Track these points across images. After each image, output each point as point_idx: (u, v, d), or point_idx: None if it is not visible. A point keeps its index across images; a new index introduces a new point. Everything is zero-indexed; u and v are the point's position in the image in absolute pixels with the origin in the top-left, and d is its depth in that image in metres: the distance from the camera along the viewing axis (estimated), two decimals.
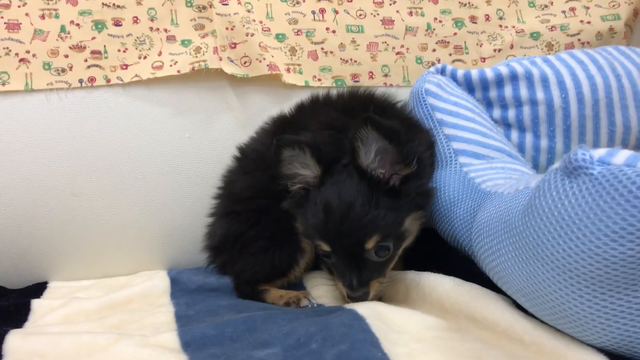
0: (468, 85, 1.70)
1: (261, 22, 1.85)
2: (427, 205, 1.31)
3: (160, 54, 1.77)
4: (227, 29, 1.77)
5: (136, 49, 1.76)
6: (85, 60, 1.73)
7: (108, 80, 1.73)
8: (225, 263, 1.53)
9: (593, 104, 1.62)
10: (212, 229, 1.61)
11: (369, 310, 1.15)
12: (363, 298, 1.23)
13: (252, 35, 1.78)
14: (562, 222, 0.88)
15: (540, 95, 1.64)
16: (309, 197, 1.27)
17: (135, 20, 1.78)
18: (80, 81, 1.71)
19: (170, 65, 1.75)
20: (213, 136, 1.79)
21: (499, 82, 1.68)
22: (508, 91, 1.67)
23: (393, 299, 1.34)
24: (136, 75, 1.74)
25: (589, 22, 1.97)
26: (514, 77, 1.67)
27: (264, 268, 1.43)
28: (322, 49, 1.88)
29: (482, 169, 1.43)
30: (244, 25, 1.77)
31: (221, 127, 1.80)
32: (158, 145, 1.74)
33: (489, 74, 1.68)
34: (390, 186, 1.21)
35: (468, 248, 1.29)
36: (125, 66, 1.75)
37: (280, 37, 1.86)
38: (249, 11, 1.84)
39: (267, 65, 1.77)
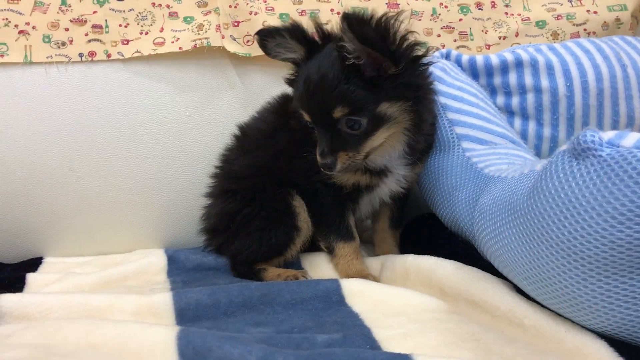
0: (472, 71, 1.69)
1: (265, 1, 1.83)
2: (415, 97, 1.27)
3: (162, 30, 1.75)
4: (230, 6, 1.75)
5: (138, 24, 1.74)
6: (86, 34, 1.70)
7: (109, 55, 1.71)
8: (221, 244, 1.52)
9: (598, 94, 1.61)
10: (208, 210, 1.59)
11: (363, 305, 1.17)
12: (331, 165, 1.26)
13: (256, 14, 1.75)
14: (568, 204, 0.86)
15: (544, 83, 1.63)
16: (299, 72, 1.33)
17: None
18: (81, 55, 1.69)
19: (172, 42, 1.73)
20: (213, 115, 1.77)
21: (504, 68, 1.66)
22: (512, 78, 1.66)
23: (393, 282, 1.33)
24: (137, 51, 1.72)
25: (595, 12, 1.95)
26: (519, 64, 1.66)
27: (260, 247, 1.42)
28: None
29: (485, 154, 1.41)
30: (247, 4, 1.75)
31: (222, 106, 1.78)
32: (158, 123, 1.73)
33: (494, 60, 1.66)
34: (370, 74, 1.21)
35: (469, 233, 1.28)
36: (126, 41, 1.72)
37: (284, 17, 1.84)
38: None
39: None
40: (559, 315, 0.97)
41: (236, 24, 1.75)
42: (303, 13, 1.86)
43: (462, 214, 1.31)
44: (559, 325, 0.96)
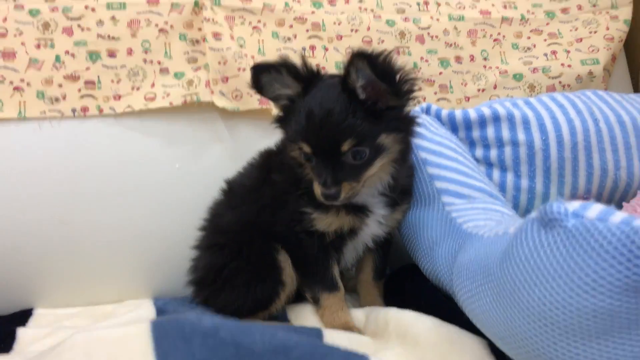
0: (452, 125, 1.76)
1: (253, 57, 1.90)
2: (406, 129, 1.38)
3: (153, 85, 1.81)
4: (219, 63, 1.81)
5: (129, 80, 1.80)
6: (79, 90, 1.76)
7: (101, 111, 1.76)
8: (208, 297, 1.55)
9: (572, 147, 1.68)
10: (196, 262, 1.63)
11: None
12: (336, 195, 1.29)
13: (244, 70, 1.82)
14: (537, 272, 0.92)
15: (521, 136, 1.70)
16: (294, 108, 1.35)
17: (130, 51, 1.81)
18: (73, 110, 1.74)
19: (163, 97, 1.78)
20: (202, 167, 1.82)
21: (482, 122, 1.73)
22: (490, 131, 1.73)
23: (375, 334, 1.37)
24: (129, 106, 1.77)
25: (569, 66, 2.04)
26: (496, 118, 1.73)
27: (246, 301, 1.46)
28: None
29: (464, 209, 1.47)
30: (236, 60, 1.82)
31: (210, 159, 1.84)
32: (148, 175, 1.78)
33: (472, 114, 1.73)
34: (371, 106, 1.28)
35: (449, 288, 1.32)
36: (118, 97, 1.78)
37: None
38: (241, 46, 1.88)
39: (258, 100, 1.82)
40: None
41: (225, 79, 1.81)
42: None
43: (442, 269, 1.36)
44: None
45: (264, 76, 1.36)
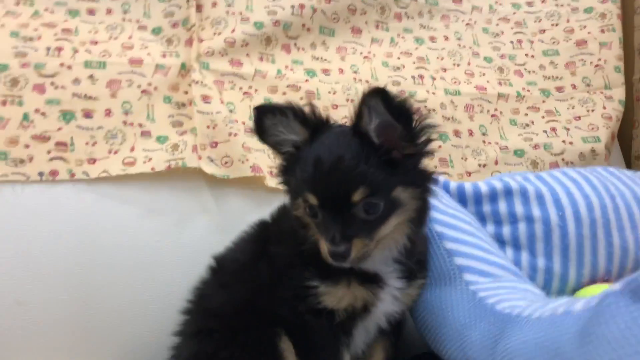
0: (461, 198, 1.62)
1: (244, 123, 1.75)
2: (423, 185, 1.21)
3: (132, 149, 1.63)
4: (208, 127, 1.66)
5: (107, 142, 1.62)
6: (49, 152, 1.56)
7: (72, 175, 1.56)
8: None
9: (590, 224, 1.57)
10: (178, 351, 1.39)
11: None
12: (345, 254, 1.11)
13: (236, 135, 1.67)
14: (635, 354, 0.75)
15: (536, 212, 1.57)
16: (299, 156, 1.19)
17: (108, 112, 1.64)
18: (41, 174, 1.53)
19: (144, 162, 1.60)
20: (186, 241, 1.61)
21: (493, 196, 1.61)
22: (502, 206, 1.60)
23: None
24: (104, 171, 1.58)
25: (571, 143, 1.98)
26: (508, 192, 1.61)
27: None
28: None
29: (492, 288, 1.31)
30: (226, 125, 1.67)
31: (195, 231, 1.63)
32: (123, 249, 1.55)
33: (483, 187, 1.61)
34: (385, 153, 1.13)
35: None
36: (92, 160, 1.59)
37: None
38: (231, 111, 1.74)
39: (251, 167, 1.66)
40: None
41: (214, 144, 1.65)
42: None
43: (477, 357, 1.18)
44: None
45: (267, 118, 1.21)
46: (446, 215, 1.49)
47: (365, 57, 2.00)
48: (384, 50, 2.03)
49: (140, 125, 1.67)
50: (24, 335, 1.44)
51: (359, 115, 1.12)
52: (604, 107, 2.06)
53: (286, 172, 1.26)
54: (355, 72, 1.96)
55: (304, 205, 1.19)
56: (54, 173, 1.55)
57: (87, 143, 1.60)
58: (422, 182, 1.22)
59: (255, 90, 1.81)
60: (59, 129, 1.59)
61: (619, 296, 0.81)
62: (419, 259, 1.34)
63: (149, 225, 1.59)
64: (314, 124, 1.21)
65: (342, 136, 1.17)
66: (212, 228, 1.64)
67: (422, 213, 1.26)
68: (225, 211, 1.67)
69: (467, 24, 2.17)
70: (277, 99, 1.82)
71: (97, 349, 1.50)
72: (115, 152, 1.62)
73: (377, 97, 1.07)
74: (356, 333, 1.33)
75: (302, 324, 1.26)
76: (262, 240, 1.40)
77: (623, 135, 2.29)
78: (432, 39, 2.11)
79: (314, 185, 1.15)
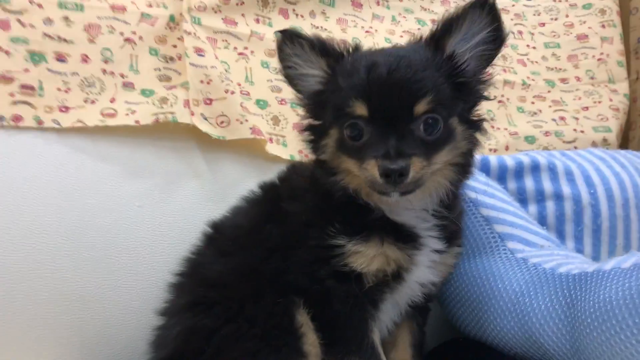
0: (484, 173, 1.46)
1: (239, 85, 1.55)
2: (474, 126, 1.06)
3: (113, 100, 1.39)
4: (202, 82, 1.44)
5: (82, 90, 1.38)
6: (12, 95, 1.30)
7: (40, 123, 1.31)
8: None
9: (623, 203, 1.43)
10: (163, 331, 1.13)
11: None
12: (404, 171, 0.92)
13: (233, 93, 1.46)
14: None
15: (566, 189, 1.43)
16: (335, 77, 1.04)
17: (85, 58, 1.40)
18: (1, 118, 1.27)
19: (127, 115, 1.37)
20: (172, 208, 1.38)
21: (519, 172, 1.46)
22: (529, 183, 1.45)
23: None
24: (79, 121, 1.33)
25: (582, 131, 1.87)
26: (535, 168, 1.46)
27: None
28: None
29: (544, 254, 1.13)
30: (222, 81, 1.46)
31: (183, 198, 1.40)
32: (98, 213, 1.29)
33: (509, 161, 1.46)
34: (457, 72, 1.01)
35: (557, 346, 0.95)
36: (65, 108, 1.34)
37: (261, 104, 1.56)
38: (226, 70, 1.53)
39: (250, 129, 1.45)
40: None
41: (208, 101, 1.44)
42: (283, 102, 1.59)
43: (543, 325, 0.98)
44: None
45: (287, 46, 1.10)
46: (478, 182, 1.32)
47: (367, 32, 1.85)
48: (386, 27, 1.89)
49: (122, 75, 1.44)
50: None
51: (448, 23, 1.01)
52: (611, 100, 1.97)
53: (313, 109, 1.10)
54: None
55: (340, 133, 1.01)
56: (17, 118, 1.29)
57: (59, 89, 1.36)
58: (474, 124, 1.07)
59: (252, 51, 1.62)
60: (26, 70, 1.34)
61: None
62: (457, 221, 1.15)
63: (129, 186, 1.34)
64: (333, 54, 1.07)
65: (402, 48, 1.06)
66: (203, 195, 1.41)
67: (467, 161, 1.08)
68: (218, 177, 1.45)
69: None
70: (276, 62, 1.62)
71: (63, 330, 1.23)
72: (93, 102, 1.38)
73: (483, 9, 0.98)
74: (384, 307, 1.12)
75: (323, 292, 1.05)
76: (270, 201, 1.20)
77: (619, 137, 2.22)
78: (434, 22, 1.98)
79: (366, 90, 0.97)
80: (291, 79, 1.13)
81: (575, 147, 1.83)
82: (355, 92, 0.98)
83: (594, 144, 1.85)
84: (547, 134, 1.84)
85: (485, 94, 1.09)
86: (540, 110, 1.92)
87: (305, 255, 1.06)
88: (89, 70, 1.40)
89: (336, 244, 1.04)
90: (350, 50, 1.09)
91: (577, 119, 1.91)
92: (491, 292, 1.11)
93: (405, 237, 1.06)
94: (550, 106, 1.94)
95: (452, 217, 1.11)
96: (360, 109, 0.97)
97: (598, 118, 1.91)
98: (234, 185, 1.41)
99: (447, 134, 0.99)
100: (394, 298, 1.12)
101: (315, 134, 1.10)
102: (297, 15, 1.76)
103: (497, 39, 1.02)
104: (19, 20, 1.38)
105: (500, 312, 1.08)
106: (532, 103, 1.94)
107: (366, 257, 1.04)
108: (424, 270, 1.10)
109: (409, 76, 0.95)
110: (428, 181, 0.99)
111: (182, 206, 1.38)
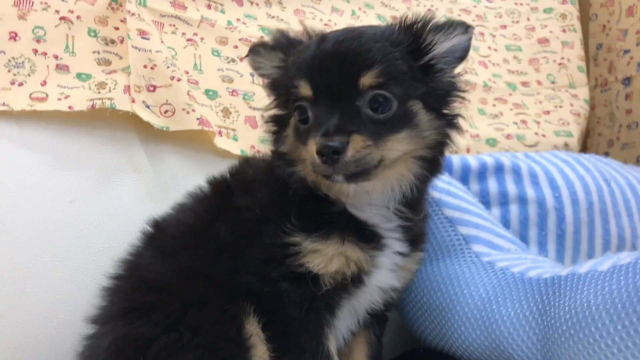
0: (447, 173, 1.39)
1: (187, 73, 1.43)
2: (445, 118, 0.99)
3: (44, 84, 1.26)
4: (145, 67, 1.32)
5: (9, 71, 1.24)
6: None
7: None
8: None
9: (588, 207, 1.38)
10: (93, 342, 1.01)
11: None
12: (339, 149, 0.83)
13: (179, 80, 1.35)
14: None
15: (530, 192, 1.37)
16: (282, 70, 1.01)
17: (13, 36, 1.27)
18: None
19: (59, 99, 1.23)
20: (108, 204, 1.24)
21: (482, 173, 1.39)
22: (492, 185, 1.38)
23: None
24: (4, 104, 1.19)
25: (544, 135, 1.83)
26: (499, 169, 1.40)
27: None
28: (263, 116, 1.49)
29: (511, 258, 1.06)
30: (168, 67, 1.34)
31: (120, 193, 1.27)
32: (24, 207, 1.15)
33: (473, 162, 1.39)
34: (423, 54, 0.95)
35: (526, 352, 0.87)
36: None
37: (211, 94, 1.45)
38: (172, 57, 1.42)
39: (197, 119, 1.33)
40: None
41: (152, 88, 1.31)
42: (235, 93, 1.49)
43: (513, 331, 0.90)
44: None
45: (251, 58, 1.05)
46: (442, 182, 1.24)
47: (325, 25, 1.76)
48: (346, 21, 1.81)
49: (56, 57, 1.30)
50: None
51: (431, 23, 0.96)
52: (571, 104, 1.94)
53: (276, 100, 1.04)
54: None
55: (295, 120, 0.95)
56: None
57: None
58: (447, 116, 1.00)
59: (202, 38, 1.51)
60: None
61: None
62: (418, 234, 1.07)
63: (60, 178, 1.20)
64: (283, 45, 1.02)
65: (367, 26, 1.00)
66: (142, 191, 1.29)
67: (435, 156, 1.00)
68: (160, 172, 1.32)
69: (429, 10, 2.00)
70: (228, 52, 1.53)
71: None
72: (20, 85, 1.24)
73: (466, 32, 0.97)
74: (341, 314, 1.02)
75: (275, 295, 0.95)
76: (219, 196, 1.09)
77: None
78: (394, 19, 1.92)
79: (309, 67, 0.90)
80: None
81: (537, 151, 1.77)
82: (299, 71, 0.91)
83: (556, 148, 1.81)
84: (508, 136, 1.80)
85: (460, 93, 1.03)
86: (501, 113, 1.87)
87: (257, 254, 0.97)
88: (17, 49, 1.26)
89: (292, 241, 0.95)
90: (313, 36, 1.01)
91: (538, 122, 1.87)
92: (455, 298, 1.02)
93: (367, 237, 0.98)
94: (511, 109, 1.90)
95: (417, 219, 1.03)
96: (305, 89, 0.90)
97: (559, 122, 1.88)
98: (178, 180, 1.30)
99: (404, 116, 0.91)
100: (352, 304, 1.03)
101: (278, 125, 1.03)
102: (251, 3, 1.66)
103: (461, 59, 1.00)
104: None
105: (465, 319, 0.99)
106: (494, 105, 1.89)
107: (324, 257, 0.95)
108: (386, 273, 1.01)
109: (353, 47, 0.88)
110: (387, 171, 0.91)
111: (120, 202, 1.25)
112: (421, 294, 1.10)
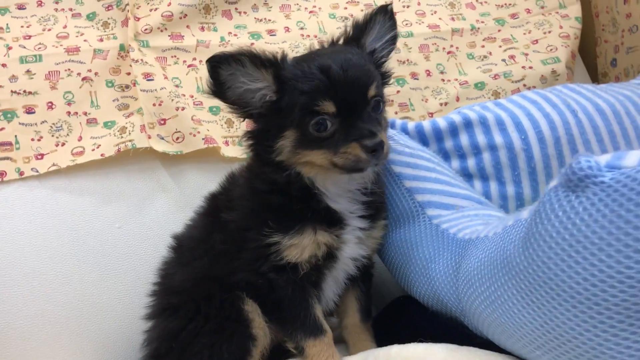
0: (421, 138, 1.58)
1: (192, 97, 1.71)
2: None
3: (80, 139, 1.59)
4: (154, 105, 1.62)
5: (52, 136, 1.58)
6: None
7: (21, 173, 1.52)
8: None
9: (555, 142, 1.52)
10: (149, 334, 1.36)
11: None
12: (382, 145, 1.11)
13: (183, 109, 1.63)
14: (576, 245, 0.72)
15: (498, 139, 1.53)
16: (286, 86, 1.15)
17: (50, 105, 1.60)
18: None
19: (93, 150, 1.56)
20: (147, 223, 1.58)
21: (453, 130, 1.57)
22: (464, 139, 1.56)
23: None
24: (54, 165, 1.54)
25: (530, 67, 1.93)
26: (468, 124, 1.56)
27: None
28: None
29: (455, 219, 1.27)
30: (172, 100, 1.63)
31: (156, 212, 1.60)
32: (83, 240, 1.52)
33: (442, 123, 1.57)
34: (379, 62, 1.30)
35: (456, 307, 1.11)
36: (40, 156, 1.55)
37: (214, 110, 1.72)
38: (177, 86, 1.70)
39: (203, 139, 1.62)
40: None
41: (162, 122, 1.61)
42: None
43: (443, 288, 1.15)
44: None
45: (223, 70, 1.13)
46: (404, 156, 1.45)
47: (310, 12, 1.94)
48: (330, 2, 1.98)
49: (85, 113, 1.63)
50: None
51: (359, 26, 1.26)
52: (561, 27, 2.01)
53: (264, 117, 1.19)
54: (302, 28, 1.91)
55: (298, 132, 1.14)
56: (1, 174, 1.51)
57: (32, 139, 1.56)
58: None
59: (200, 61, 1.77)
60: (2, 129, 1.55)
61: (556, 190, 0.77)
62: (378, 204, 1.31)
63: (106, 213, 1.56)
64: (274, 64, 1.15)
65: (331, 51, 1.24)
66: (173, 206, 1.61)
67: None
68: (184, 187, 1.64)
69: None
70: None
71: (73, 343, 1.48)
72: (63, 144, 1.58)
73: (385, 14, 1.26)
74: (325, 286, 1.30)
75: (266, 284, 1.23)
76: (213, 211, 1.37)
77: (588, 55, 2.24)
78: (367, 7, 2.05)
79: (330, 90, 1.13)
80: (234, 98, 1.17)
81: (525, 85, 1.90)
82: (321, 93, 1.12)
83: (543, 78, 1.91)
84: (495, 76, 1.92)
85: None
86: (490, 53, 1.98)
87: (247, 256, 1.24)
88: (55, 115, 1.60)
89: (273, 241, 1.20)
90: (281, 58, 1.18)
91: (526, 54, 1.96)
92: (409, 259, 1.26)
93: (334, 221, 1.23)
94: (500, 46, 2.00)
95: (379, 192, 1.29)
96: (329, 107, 1.12)
97: (547, 50, 1.96)
98: (199, 192, 1.57)
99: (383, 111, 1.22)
100: (332, 274, 1.30)
101: (266, 139, 1.19)
102: (239, 13, 1.88)
103: (394, 38, 1.30)
104: None
105: (415, 278, 1.24)
106: (482, 47, 2.00)
107: (299, 248, 1.20)
108: (353, 246, 1.27)
109: (359, 72, 1.15)
110: None
111: (156, 220, 1.59)
112: (390, 257, 1.34)
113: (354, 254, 1.28)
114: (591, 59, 2.24)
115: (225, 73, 1.13)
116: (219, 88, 1.15)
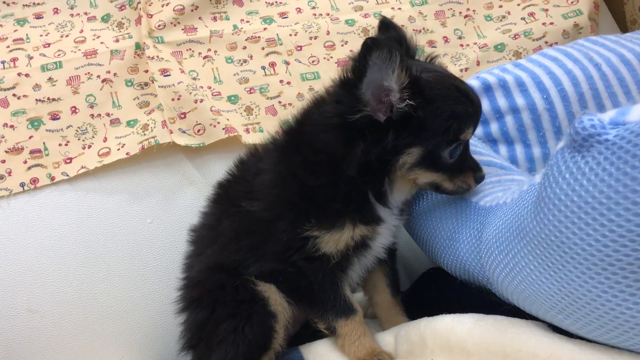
0: None
1: (210, 88, 1.73)
2: None
3: (105, 140, 1.63)
4: (173, 100, 1.64)
5: (78, 139, 1.62)
6: (25, 162, 1.58)
7: (52, 179, 1.57)
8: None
9: (579, 99, 1.48)
10: (184, 325, 1.39)
11: None
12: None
13: (202, 101, 1.64)
14: (585, 206, 0.70)
15: (520, 100, 1.50)
16: (432, 102, 1.07)
17: (74, 110, 1.64)
18: (22, 185, 1.55)
19: (118, 149, 1.60)
20: (177, 216, 1.61)
21: None
22: (485, 104, 1.53)
23: (411, 354, 1.13)
24: (82, 167, 1.58)
25: (552, 23, 1.87)
26: (487, 89, 1.53)
27: (238, 350, 1.21)
28: (280, 102, 1.75)
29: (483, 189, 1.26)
30: (190, 93, 1.64)
31: (185, 205, 1.63)
32: (117, 238, 1.57)
33: None
34: None
35: (482, 276, 1.10)
36: (69, 160, 1.60)
37: (232, 99, 1.73)
38: (194, 78, 1.71)
39: (224, 129, 1.63)
40: (615, 348, 0.78)
41: (183, 115, 1.63)
42: (252, 91, 1.75)
43: (468, 257, 1.14)
44: None
45: (375, 54, 0.98)
46: None
47: None
48: None
49: (108, 114, 1.66)
50: (39, 342, 1.47)
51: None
52: None
53: (393, 125, 1.07)
54: (313, 7, 1.89)
55: (424, 152, 1.09)
56: (34, 181, 1.56)
57: (60, 144, 1.61)
58: None
59: (215, 51, 1.78)
60: (30, 137, 1.60)
61: (562, 152, 0.75)
62: None
63: (137, 210, 1.60)
64: (413, 75, 1.03)
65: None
66: (200, 198, 1.61)
67: None
68: (210, 178, 1.65)
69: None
70: (239, 55, 1.78)
71: (115, 340, 1.53)
72: (90, 147, 1.62)
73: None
74: (353, 269, 1.30)
75: (296, 271, 1.23)
76: (222, 198, 1.38)
77: (614, 2, 2.15)
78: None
79: (474, 118, 1.16)
80: (364, 90, 1.04)
81: (547, 43, 1.84)
82: (470, 119, 1.14)
83: (565, 33, 1.84)
84: (516, 36, 1.86)
85: None
86: (508, 13, 1.93)
87: (275, 247, 1.23)
88: (80, 119, 1.64)
89: (311, 235, 1.19)
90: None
91: (546, 10, 1.90)
92: (436, 233, 1.25)
93: (373, 219, 1.22)
94: (518, 4, 1.94)
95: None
96: (469, 134, 1.15)
97: (568, 2, 1.89)
98: None
99: None
100: (362, 261, 1.30)
101: (384, 150, 1.09)
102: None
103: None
104: (14, 95, 1.63)
105: (442, 250, 1.23)
106: (500, 7, 1.94)
107: (333, 241, 1.20)
108: (386, 236, 1.28)
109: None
110: None
111: (185, 212, 1.61)
112: (418, 232, 1.34)
113: (386, 242, 1.29)
114: (618, 5, 2.15)
115: (375, 57, 0.99)
116: (358, 72, 1.02)
